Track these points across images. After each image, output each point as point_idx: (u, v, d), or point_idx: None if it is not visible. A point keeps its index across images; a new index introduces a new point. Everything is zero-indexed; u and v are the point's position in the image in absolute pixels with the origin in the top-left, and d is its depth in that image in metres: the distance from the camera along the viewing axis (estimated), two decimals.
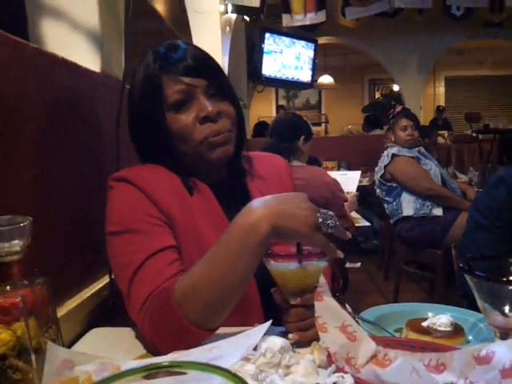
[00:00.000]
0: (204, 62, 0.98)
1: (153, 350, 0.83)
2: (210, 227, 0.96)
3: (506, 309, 0.67)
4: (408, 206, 3.15)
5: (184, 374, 0.39)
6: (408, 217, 3.13)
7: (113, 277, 1.19)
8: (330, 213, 0.78)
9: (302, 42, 5.44)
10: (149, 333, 0.82)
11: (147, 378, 0.43)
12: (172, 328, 0.78)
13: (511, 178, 1.33)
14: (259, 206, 0.77)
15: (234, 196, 1.02)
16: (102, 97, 1.28)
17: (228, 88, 1.01)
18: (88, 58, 1.25)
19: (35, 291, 0.66)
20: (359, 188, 3.10)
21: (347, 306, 1.51)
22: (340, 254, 0.80)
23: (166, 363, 0.40)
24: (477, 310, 0.87)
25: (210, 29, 3.61)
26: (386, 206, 3.33)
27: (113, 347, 0.89)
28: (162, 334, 0.80)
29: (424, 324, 0.85)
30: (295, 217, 0.75)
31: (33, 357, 0.63)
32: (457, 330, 0.84)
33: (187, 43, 1.00)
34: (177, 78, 0.93)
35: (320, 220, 0.76)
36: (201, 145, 0.95)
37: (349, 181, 2.89)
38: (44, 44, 1.22)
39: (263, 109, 9.18)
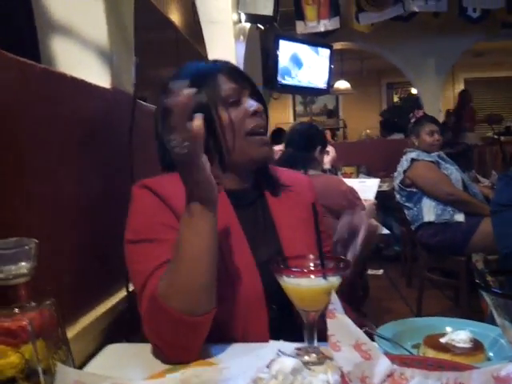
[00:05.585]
0: (246, 74, 1.09)
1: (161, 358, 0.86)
2: (222, 233, 0.96)
3: None
4: (429, 211, 3.09)
5: None
6: (429, 223, 3.07)
7: (130, 290, 1.20)
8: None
9: (317, 48, 5.42)
10: (149, 335, 0.85)
11: None
12: (166, 323, 0.82)
13: None
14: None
15: (252, 205, 1.06)
16: (114, 112, 1.29)
17: (264, 101, 1.08)
18: (98, 75, 1.25)
19: (43, 313, 0.66)
20: (379, 193, 3.06)
21: (367, 320, 1.49)
22: None
23: None
24: None
25: (223, 38, 3.62)
26: (406, 211, 3.27)
27: (128, 364, 0.88)
28: (160, 332, 0.84)
29: (442, 340, 0.83)
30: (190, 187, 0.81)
31: (42, 379, 0.63)
32: (476, 347, 0.81)
33: None
34: (231, 76, 1.02)
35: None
36: (247, 139, 1.00)
37: (367, 188, 2.85)
38: (55, 63, 1.23)
39: (280, 116, 9.16)
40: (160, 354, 0.87)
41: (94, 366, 0.89)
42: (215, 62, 1.07)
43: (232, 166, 1.03)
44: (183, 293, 0.81)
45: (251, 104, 1.02)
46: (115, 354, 0.96)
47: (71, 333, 0.94)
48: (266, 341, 0.93)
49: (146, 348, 0.97)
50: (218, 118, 0.99)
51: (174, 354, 0.84)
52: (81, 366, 0.89)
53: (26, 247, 0.64)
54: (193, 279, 0.82)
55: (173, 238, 0.91)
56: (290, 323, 0.94)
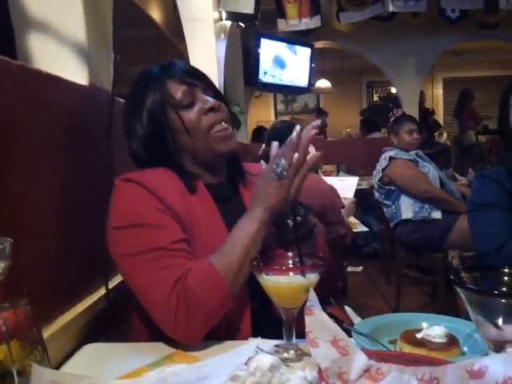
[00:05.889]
0: (200, 70, 1.11)
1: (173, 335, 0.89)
2: (207, 225, 1.00)
3: (499, 321, 0.66)
4: (407, 209, 3.13)
5: None
6: (407, 220, 3.11)
7: (110, 287, 1.19)
8: (283, 162, 0.96)
9: (298, 47, 5.43)
10: (185, 308, 0.87)
11: None
12: (214, 300, 0.88)
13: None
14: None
15: (229, 199, 1.11)
16: (91, 109, 1.27)
17: (222, 96, 1.12)
18: (76, 72, 1.24)
19: (18, 313, 0.65)
20: (358, 191, 3.08)
21: (346, 307, 1.50)
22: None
23: None
24: None
25: (204, 36, 3.59)
26: (385, 209, 3.31)
27: (105, 364, 0.88)
28: (200, 306, 0.87)
29: (418, 335, 0.84)
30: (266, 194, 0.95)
31: (16, 380, 0.62)
32: (451, 342, 0.82)
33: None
34: (180, 80, 1.04)
35: (274, 166, 0.96)
36: (208, 135, 1.04)
37: (346, 186, 2.87)
38: (32, 60, 1.21)
39: (261, 114, 9.16)
40: (170, 331, 0.89)
41: (71, 366, 0.89)
42: (165, 66, 1.08)
43: (204, 163, 1.08)
44: (234, 272, 0.90)
45: (205, 101, 1.05)
46: (93, 353, 0.95)
47: (48, 332, 0.93)
48: (249, 335, 0.95)
49: (124, 347, 0.96)
50: (172, 123, 1.03)
51: (192, 332, 0.88)
52: (58, 367, 0.88)
53: (1, 246, 0.63)
54: (244, 263, 0.91)
55: (167, 224, 0.94)
56: (271, 319, 0.95)
